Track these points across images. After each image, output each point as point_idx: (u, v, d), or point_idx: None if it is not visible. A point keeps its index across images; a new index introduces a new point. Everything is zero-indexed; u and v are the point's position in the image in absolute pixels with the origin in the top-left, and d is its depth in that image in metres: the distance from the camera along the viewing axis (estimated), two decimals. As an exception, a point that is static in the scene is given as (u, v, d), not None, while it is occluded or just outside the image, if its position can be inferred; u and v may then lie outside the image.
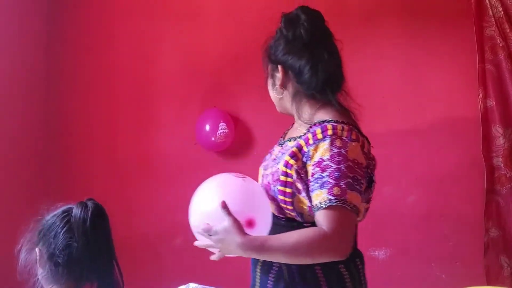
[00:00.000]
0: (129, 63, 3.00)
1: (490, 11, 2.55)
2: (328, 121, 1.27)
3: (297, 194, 1.26)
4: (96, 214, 1.24)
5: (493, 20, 2.54)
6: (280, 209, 1.29)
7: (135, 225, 2.87)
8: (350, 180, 1.18)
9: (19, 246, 1.39)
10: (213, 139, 2.70)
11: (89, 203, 1.26)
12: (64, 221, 1.27)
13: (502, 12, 2.53)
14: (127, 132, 3.00)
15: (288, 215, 1.29)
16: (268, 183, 1.33)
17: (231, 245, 1.18)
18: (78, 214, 1.23)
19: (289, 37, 1.34)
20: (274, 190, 1.29)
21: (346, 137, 1.23)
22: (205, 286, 1.31)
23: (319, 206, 1.17)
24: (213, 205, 1.24)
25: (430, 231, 2.64)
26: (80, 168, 3.02)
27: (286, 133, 1.49)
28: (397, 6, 2.71)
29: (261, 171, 1.44)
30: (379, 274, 2.45)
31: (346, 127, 1.25)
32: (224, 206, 1.20)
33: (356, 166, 1.21)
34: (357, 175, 1.20)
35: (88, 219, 1.21)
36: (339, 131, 1.23)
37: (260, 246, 1.17)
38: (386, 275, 2.51)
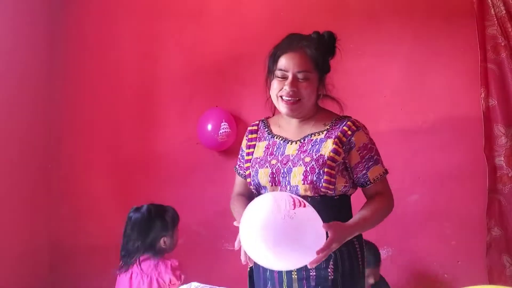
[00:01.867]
0: (132, 62, 3.01)
1: (492, 10, 2.55)
2: (348, 117, 1.62)
3: (338, 175, 1.55)
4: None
5: (495, 19, 2.54)
6: (315, 189, 1.52)
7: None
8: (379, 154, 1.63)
9: None
10: (215, 138, 2.71)
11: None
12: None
13: (504, 11, 2.53)
14: (130, 131, 3.00)
15: (322, 193, 1.54)
16: (312, 168, 1.53)
17: (342, 241, 1.45)
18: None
19: (328, 50, 1.61)
20: (319, 173, 1.51)
21: (365, 127, 1.63)
22: (207, 285, 1.33)
23: (379, 177, 1.59)
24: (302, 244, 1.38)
25: (432, 230, 2.64)
26: (82, 167, 3.02)
27: (274, 134, 1.68)
28: (399, 6, 2.71)
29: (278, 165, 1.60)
30: (381, 273, 2.46)
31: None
32: (324, 227, 1.39)
33: None
34: None
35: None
36: (361, 123, 1.62)
37: (359, 228, 1.52)
38: (387, 274, 2.51)
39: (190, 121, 2.86)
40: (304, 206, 1.39)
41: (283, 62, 1.54)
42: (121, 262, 2.17)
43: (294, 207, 1.36)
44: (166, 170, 2.94)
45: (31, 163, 2.91)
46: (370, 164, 1.58)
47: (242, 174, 1.74)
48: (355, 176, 1.59)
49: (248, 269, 1.65)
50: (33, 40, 2.96)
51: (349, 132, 1.56)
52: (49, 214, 3.01)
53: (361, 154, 1.58)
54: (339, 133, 1.56)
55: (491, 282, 2.46)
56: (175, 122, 2.96)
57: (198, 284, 1.41)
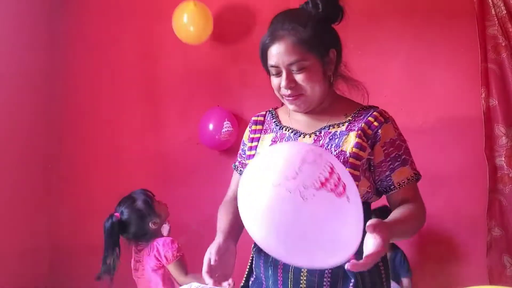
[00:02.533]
0: (132, 62, 3.01)
1: (493, 10, 2.55)
2: (375, 107, 1.36)
3: (362, 177, 1.28)
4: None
5: (495, 19, 2.54)
6: None
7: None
8: (411, 154, 1.35)
9: None
10: (217, 137, 2.71)
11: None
12: None
13: (505, 12, 2.52)
14: (130, 131, 3.00)
15: None
16: None
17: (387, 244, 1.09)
18: None
19: (325, 17, 1.32)
20: None
21: (394, 120, 1.36)
22: (207, 286, 1.29)
23: (406, 182, 1.31)
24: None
25: (433, 230, 2.64)
26: (83, 167, 3.02)
27: (285, 126, 1.40)
28: (400, 5, 2.71)
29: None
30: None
31: None
32: (369, 228, 1.06)
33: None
34: None
35: None
36: (390, 115, 1.35)
37: (398, 231, 1.19)
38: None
39: (191, 120, 2.86)
40: (341, 195, 0.98)
41: (271, 56, 1.28)
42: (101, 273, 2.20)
43: (322, 185, 0.97)
44: (166, 170, 2.94)
45: (32, 163, 2.90)
46: (396, 164, 1.30)
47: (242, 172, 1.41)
48: (377, 177, 1.31)
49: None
50: (34, 40, 2.96)
51: (376, 124, 1.30)
52: (49, 214, 3.00)
53: (386, 151, 1.30)
54: (363, 124, 1.29)
55: (491, 283, 2.46)
56: (176, 122, 2.96)
57: (198, 284, 1.38)
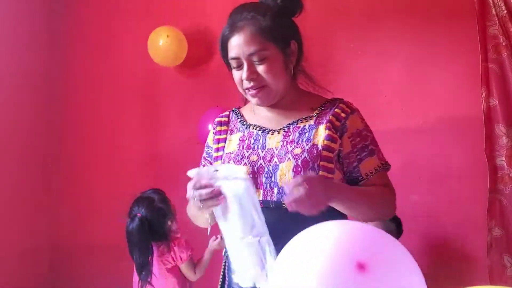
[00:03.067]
0: (132, 62, 3.01)
1: (493, 10, 2.54)
2: (339, 99, 1.34)
3: (335, 169, 1.26)
4: None
5: (496, 19, 2.53)
6: None
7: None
8: (378, 144, 1.33)
9: None
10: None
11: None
12: None
13: (506, 11, 2.51)
14: (130, 132, 3.00)
15: None
16: (304, 161, 1.23)
17: (323, 189, 1.11)
18: None
19: (284, 9, 1.30)
20: (313, 167, 1.22)
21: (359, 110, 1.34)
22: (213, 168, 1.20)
23: (374, 172, 1.28)
24: None
25: (433, 230, 2.63)
26: (83, 167, 3.02)
27: (244, 122, 1.38)
28: (400, 5, 2.71)
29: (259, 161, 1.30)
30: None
31: None
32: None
33: None
34: None
35: None
36: (355, 106, 1.34)
37: (348, 187, 1.23)
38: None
39: (191, 121, 2.86)
40: None
41: (232, 48, 1.27)
42: (141, 276, 2.16)
43: None
44: (166, 170, 2.93)
45: (32, 163, 2.91)
46: (363, 155, 1.28)
47: None
48: (345, 169, 1.28)
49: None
50: (34, 41, 2.96)
51: (343, 115, 1.28)
52: (49, 214, 3.01)
53: (353, 142, 1.28)
54: (330, 116, 1.28)
55: (492, 283, 2.45)
56: (176, 122, 2.96)
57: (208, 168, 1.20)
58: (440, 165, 2.63)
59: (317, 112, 1.31)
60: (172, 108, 2.97)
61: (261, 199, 1.24)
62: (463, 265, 2.59)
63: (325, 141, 1.25)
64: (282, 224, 1.14)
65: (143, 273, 2.13)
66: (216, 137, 1.41)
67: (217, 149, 1.39)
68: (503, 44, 2.51)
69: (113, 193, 2.97)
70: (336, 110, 1.29)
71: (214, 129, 1.44)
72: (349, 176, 1.30)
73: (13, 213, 2.72)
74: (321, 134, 1.26)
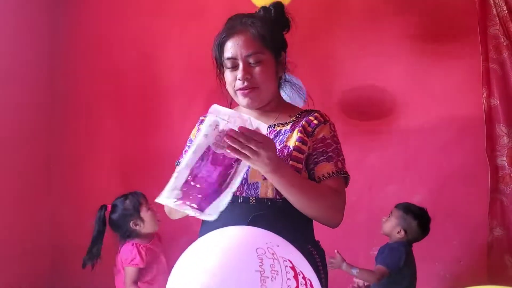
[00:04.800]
0: (134, 62, 3.01)
1: (494, 10, 2.54)
2: (317, 110, 1.41)
3: (303, 171, 1.32)
4: None
5: (497, 19, 2.54)
6: (277, 190, 1.26)
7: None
8: (343, 156, 1.37)
9: None
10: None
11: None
12: None
13: (506, 11, 2.52)
14: (132, 131, 3.00)
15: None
16: None
17: (267, 156, 1.15)
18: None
19: (277, 22, 1.39)
20: None
21: (333, 124, 1.41)
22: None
23: (326, 176, 1.30)
24: None
25: (434, 230, 2.63)
26: (84, 166, 3.02)
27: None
28: (401, 5, 2.71)
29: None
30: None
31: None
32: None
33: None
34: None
35: None
36: (330, 119, 1.40)
37: (296, 174, 1.25)
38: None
39: (193, 120, 2.85)
40: None
41: (229, 48, 1.33)
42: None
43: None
44: (168, 170, 2.92)
45: (33, 162, 2.91)
46: (320, 159, 1.32)
47: None
48: (305, 171, 1.33)
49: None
50: (36, 40, 2.96)
51: (315, 122, 1.36)
52: (51, 214, 3.01)
53: (314, 146, 1.34)
54: (304, 122, 1.36)
55: (492, 282, 2.45)
56: (178, 121, 2.96)
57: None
58: (441, 165, 2.63)
59: (294, 119, 1.39)
60: (173, 107, 2.97)
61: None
62: (464, 265, 2.59)
63: (296, 142, 1.32)
64: (246, 218, 1.25)
65: (86, 256, 2.26)
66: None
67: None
68: (504, 44, 2.52)
69: (114, 192, 2.97)
70: (310, 117, 1.38)
71: (197, 126, 1.53)
72: (308, 178, 1.34)
73: (15, 213, 2.72)
74: (294, 136, 1.34)
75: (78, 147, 3.04)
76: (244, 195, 1.30)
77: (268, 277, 0.87)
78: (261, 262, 0.89)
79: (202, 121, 1.51)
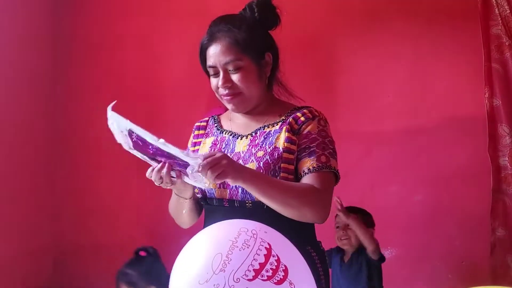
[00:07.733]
0: (135, 62, 3.01)
1: (497, 10, 2.54)
2: (308, 106, 1.39)
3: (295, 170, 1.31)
4: None
5: (499, 18, 2.54)
6: None
7: (141, 224, 2.88)
8: (331, 151, 1.32)
9: None
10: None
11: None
12: None
13: (509, 11, 2.52)
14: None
15: None
16: (266, 163, 1.30)
17: (236, 164, 1.20)
18: None
19: (260, 22, 1.37)
20: (274, 169, 1.29)
21: (325, 119, 1.38)
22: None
23: (306, 172, 1.28)
24: None
25: (436, 230, 2.63)
26: (86, 166, 3.03)
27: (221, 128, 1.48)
28: (403, 6, 2.70)
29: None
30: (384, 274, 2.45)
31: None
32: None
33: (333, 141, 1.36)
34: (334, 148, 1.35)
35: None
36: (322, 114, 1.37)
37: (265, 178, 1.24)
38: (391, 275, 2.50)
39: (193, 120, 2.86)
40: (282, 281, 0.86)
41: (209, 57, 1.36)
42: None
43: (256, 274, 0.85)
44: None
45: (35, 162, 2.91)
46: (303, 154, 1.30)
47: None
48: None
49: None
50: (37, 41, 2.96)
51: (302, 119, 1.33)
52: (53, 213, 3.01)
53: (299, 142, 1.32)
54: (290, 119, 1.34)
55: (495, 283, 2.45)
56: (178, 121, 2.96)
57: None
58: (443, 165, 2.63)
59: (283, 118, 1.37)
60: (173, 107, 2.97)
61: (227, 198, 1.33)
62: (467, 265, 2.59)
63: (285, 143, 1.31)
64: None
65: None
66: (194, 140, 1.52)
67: (193, 152, 1.47)
68: (506, 44, 2.52)
69: (116, 192, 2.98)
70: (297, 114, 1.35)
71: (193, 133, 1.55)
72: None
73: (17, 212, 2.73)
74: (282, 137, 1.32)
75: (80, 146, 3.05)
76: (240, 199, 1.31)
77: (237, 247, 0.90)
78: (237, 236, 0.93)
79: (197, 127, 1.55)
